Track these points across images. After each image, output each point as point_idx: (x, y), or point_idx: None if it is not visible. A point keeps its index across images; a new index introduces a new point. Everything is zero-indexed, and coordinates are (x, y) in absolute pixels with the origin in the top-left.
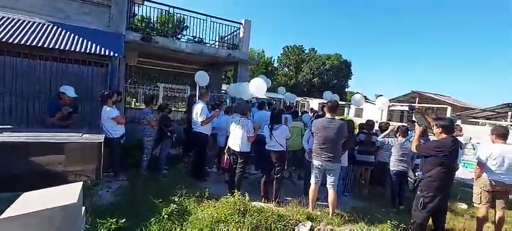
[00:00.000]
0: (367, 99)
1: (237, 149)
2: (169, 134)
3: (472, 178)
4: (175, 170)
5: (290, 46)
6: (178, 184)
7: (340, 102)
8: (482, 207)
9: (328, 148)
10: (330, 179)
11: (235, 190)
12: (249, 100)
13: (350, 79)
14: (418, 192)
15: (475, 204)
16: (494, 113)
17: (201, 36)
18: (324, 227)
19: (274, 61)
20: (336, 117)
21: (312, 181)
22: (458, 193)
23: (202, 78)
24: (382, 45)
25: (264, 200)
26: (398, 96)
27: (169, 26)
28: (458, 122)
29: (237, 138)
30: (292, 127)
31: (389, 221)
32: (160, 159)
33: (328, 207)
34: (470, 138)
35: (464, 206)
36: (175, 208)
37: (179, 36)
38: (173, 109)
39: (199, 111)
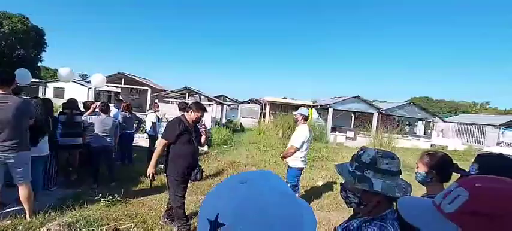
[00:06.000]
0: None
1: None
2: None
3: None
4: None
5: None
6: None
7: (33, 80)
8: None
9: (6, 133)
10: (17, 174)
11: None
12: None
13: (44, 51)
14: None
15: None
16: (178, 94)
17: None
18: None
19: None
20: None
21: None
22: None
23: None
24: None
25: None
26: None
27: None
28: (156, 101)
29: None
30: None
31: (103, 199)
32: None
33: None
34: (165, 113)
35: None
36: None
37: None
38: None
39: None
